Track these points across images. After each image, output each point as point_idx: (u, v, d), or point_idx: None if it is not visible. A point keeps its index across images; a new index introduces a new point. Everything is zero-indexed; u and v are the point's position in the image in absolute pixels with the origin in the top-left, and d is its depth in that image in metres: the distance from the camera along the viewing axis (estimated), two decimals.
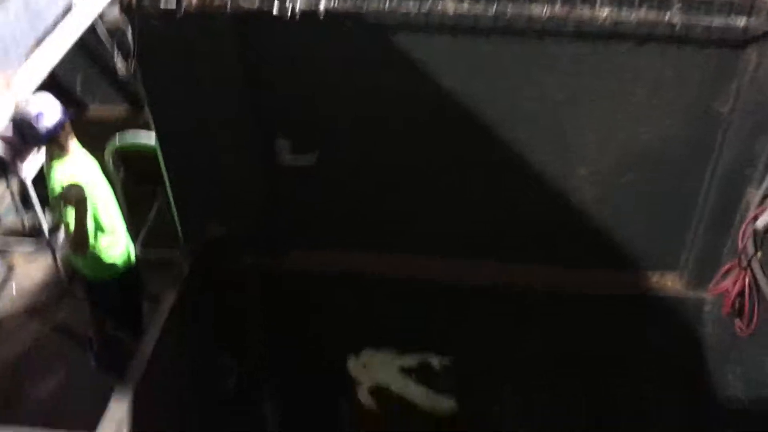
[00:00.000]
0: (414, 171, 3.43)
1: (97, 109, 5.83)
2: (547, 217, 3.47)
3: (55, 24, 2.05)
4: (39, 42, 1.93)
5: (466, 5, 2.70)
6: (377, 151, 3.37)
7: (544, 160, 3.27)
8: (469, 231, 3.56)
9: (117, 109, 5.85)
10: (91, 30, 5.27)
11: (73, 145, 3.70)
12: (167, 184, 3.63)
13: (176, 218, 3.76)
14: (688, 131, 3.13)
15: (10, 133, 4.47)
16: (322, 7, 2.71)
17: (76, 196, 3.43)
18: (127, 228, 4.20)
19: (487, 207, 3.48)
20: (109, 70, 5.83)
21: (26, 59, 1.89)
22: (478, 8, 2.71)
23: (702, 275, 3.43)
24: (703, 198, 3.29)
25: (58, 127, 3.49)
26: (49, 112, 3.48)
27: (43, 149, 4.05)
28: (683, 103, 3.05)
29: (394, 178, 3.46)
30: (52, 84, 5.05)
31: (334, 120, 3.29)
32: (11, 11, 1.78)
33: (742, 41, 2.75)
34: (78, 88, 5.76)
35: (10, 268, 5.09)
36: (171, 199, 3.72)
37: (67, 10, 2.13)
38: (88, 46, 5.47)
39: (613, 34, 2.80)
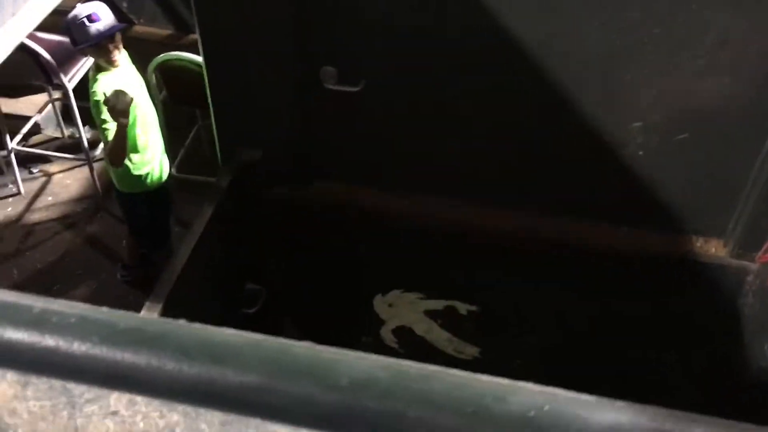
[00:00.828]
0: (456, 110, 3.33)
1: (142, 29, 5.78)
2: (590, 169, 3.37)
3: None
4: None
5: None
6: (423, 88, 3.27)
7: (595, 108, 3.15)
8: (507, 178, 3.48)
9: (162, 31, 5.80)
10: None
11: (123, 59, 3.67)
12: (210, 105, 3.59)
13: (216, 141, 3.72)
14: (752, 93, 2.99)
15: (56, 36, 4.47)
16: None
17: (122, 104, 3.39)
18: (166, 149, 4.20)
19: (529, 153, 3.39)
20: None
21: None
22: None
23: (748, 244, 3.32)
24: (759, 165, 3.16)
25: (110, 33, 3.46)
26: (103, 16, 3.45)
27: (90, 61, 4.04)
28: (752, 61, 2.91)
29: (437, 116, 3.37)
30: None
31: (384, 51, 3.20)
32: None
33: None
34: (125, 5, 5.71)
35: (47, 179, 5.13)
36: (212, 122, 3.68)
37: None
38: None
39: None
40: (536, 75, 3.09)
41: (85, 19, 3.46)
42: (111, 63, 3.58)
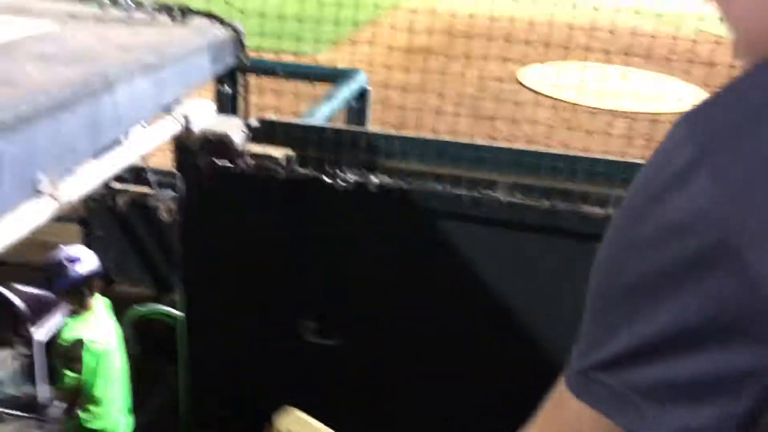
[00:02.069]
0: (435, 366, 3.23)
1: (123, 287, 5.79)
2: None
3: (111, 147, 2.06)
4: (93, 157, 1.92)
5: (518, 196, 2.70)
6: (403, 343, 3.20)
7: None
8: None
9: (143, 290, 5.81)
10: (134, 205, 5.41)
11: (99, 306, 3.61)
12: (184, 358, 3.46)
13: (185, 397, 3.53)
14: None
15: (33, 289, 4.44)
16: (374, 181, 2.72)
17: (76, 353, 3.30)
18: (131, 404, 3.97)
19: (507, 417, 3.20)
20: (142, 252, 5.90)
21: (77, 170, 1.86)
22: (530, 201, 2.69)
23: None
24: None
25: (90, 278, 3.43)
26: (84, 260, 3.45)
27: (62, 317, 3.97)
28: None
29: (414, 377, 3.25)
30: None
31: (364, 304, 3.18)
32: (76, 121, 1.77)
33: None
34: (110, 266, 5.77)
35: None
36: (184, 377, 3.53)
37: (123, 140, 2.15)
38: (129, 226, 5.58)
39: None
40: (517, 337, 3.04)
41: (66, 261, 3.46)
42: (85, 308, 3.50)
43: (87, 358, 3.41)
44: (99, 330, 3.53)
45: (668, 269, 0.60)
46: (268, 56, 3.77)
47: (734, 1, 0.68)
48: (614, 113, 3.10)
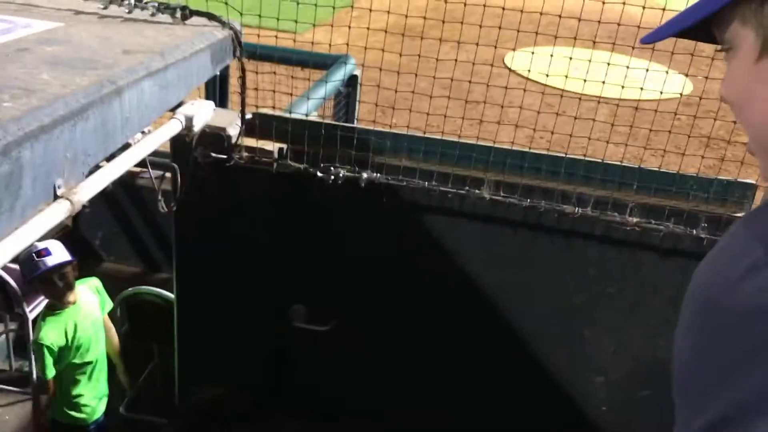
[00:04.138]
0: (424, 357, 3.38)
1: (112, 266, 5.88)
2: (556, 424, 3.35)
3: (121, 149, 2.15)
4: (103, 160, 2.01)
5: (501, 194, 2.83)
6: (392, 331, 3.35)
7: (558, 361, 3.23)
8: (470, 429, 3.43)
9: (132, 268, 5.90)
10: (126, 185, 5.48)
11: (81, 296, 3.66)
12: (173, 340, 3.57)
13: (176, 378, 3.65)
14: None
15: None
16: (364, 175, 2.85)
17: (38, 356, 3.44)
18: (120, 386, 4.11)
19: (494, 404, 3.38)
20: (130, 230, 5.99)
21: (90, 173, 1.95)
22: (513, 199, 2.83)
23: None
24: None
25: (54, 267, 3.48)
26: (54, 252, 3.51)
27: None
28: None
29: (406, 360, 3.40)
30: (74, 235, 5.17)
31: (353, 293, 3.31)
32: (90, 125, 1.87)
33: None
34: (97, 243, 5.85)
35: None
36: (174, 358, 3.64)
37: (130, 142, 2.25)
38: (116, 203, 5.66)
39: (639, 243, 2.89)
40: (499, 328, 3.20)
41: (34, 255, 3.51)
42: (60, 300, 3.55)
43: (49, 361, 3.49)
44: (76, 322, 3.57)
45: (749, 347, 0.74)
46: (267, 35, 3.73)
47: (751, 111, 0.81)
48: (599, 99, 3.22)
